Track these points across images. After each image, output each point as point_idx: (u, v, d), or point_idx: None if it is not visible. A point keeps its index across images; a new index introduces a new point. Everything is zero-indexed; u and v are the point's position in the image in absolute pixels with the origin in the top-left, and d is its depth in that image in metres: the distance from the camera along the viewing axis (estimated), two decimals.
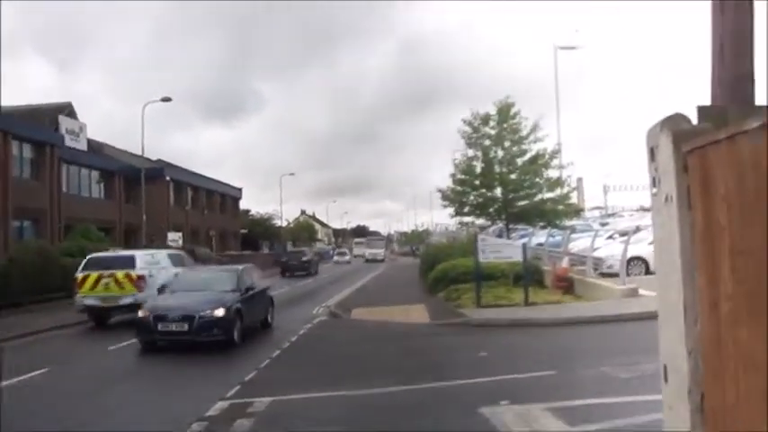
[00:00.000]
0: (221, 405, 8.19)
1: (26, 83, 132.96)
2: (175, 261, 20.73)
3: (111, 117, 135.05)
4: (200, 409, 7.94)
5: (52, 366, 11.58)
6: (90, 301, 18.26)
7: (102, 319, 18.61)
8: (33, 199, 29.35)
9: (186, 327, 12.71)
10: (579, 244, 23.43)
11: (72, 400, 9.09)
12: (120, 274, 18.19)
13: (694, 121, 2.82)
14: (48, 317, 20.09)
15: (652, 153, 2.99)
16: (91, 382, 10.40)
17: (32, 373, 10.76)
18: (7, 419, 7.05)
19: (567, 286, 19.46)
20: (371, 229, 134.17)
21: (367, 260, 68.82)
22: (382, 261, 67.57)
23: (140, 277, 18.04)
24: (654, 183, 3.00)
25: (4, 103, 36.18)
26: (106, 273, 18.22)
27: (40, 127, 32.52)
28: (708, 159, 2.55)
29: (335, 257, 69.61)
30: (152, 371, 11.98)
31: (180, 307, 13.17)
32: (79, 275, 18.52)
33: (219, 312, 12.93)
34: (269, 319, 16.59)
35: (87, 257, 19.69)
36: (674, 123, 2.82)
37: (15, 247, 25.11)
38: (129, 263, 18.66)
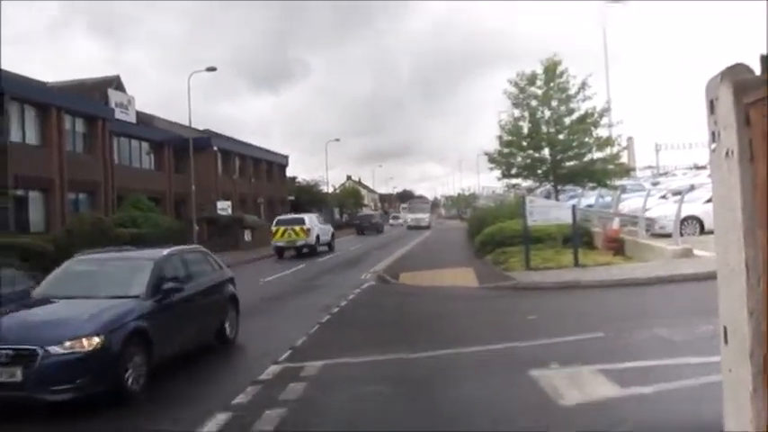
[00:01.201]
0: (274, 369, 8.36)
1: (76, 58, 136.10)
2: (321, 221, 35.62)
3: (158, 89, 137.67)
4: (253, 373, 8.13)
5: None
6: (280, 244, 31.24)
7: (282, 253, 31.31)
8: (87, 172, 30.16)
9: (20, 375, 6.62)
10: (630, 204, 22.89)
11: None
12: (297, 227, 31.13)
13: (757, 71, 2.66)
14: None
15: (711, 106, 2.85)
16: None
17: None
18: None
19: (617, 248, 19.10)
20: (417, 193, 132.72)
21: (409, 227, 62.18)
22: (427, 228, 59.74)
23: (308, 230, 31.09)
24: (713, 137, 2.86)
25: (53, 79, 37.13)
26: (288, 227, 31.12)
27: (90, 101, 33.22)
28: None
29: (391, 221, 78.26)
30: None
31: (15, 334, 7.01)
32: (273, 228, 31.89)
33: (87, 343, 6.91)
34: (227, 329, 10.29)
35: (276, 219, 33.49)
36: (735, 74, 2.66)
37: (71, 219, 25.92)
38: (301, 221, 31.63)
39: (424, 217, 65.16)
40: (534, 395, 6.40)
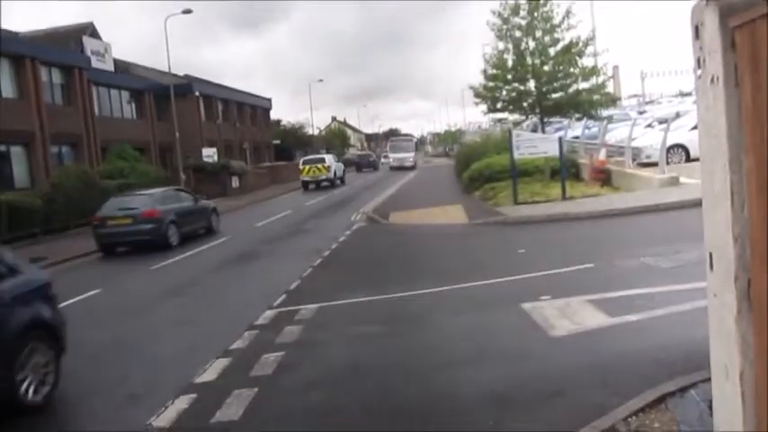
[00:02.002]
0: (269, 313, 8.46)
1: (46, 6, 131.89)
2: (336, 160, 44.85)
3: (136, 35, 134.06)
4: (250, 318, 8.23)
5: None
6: (306, 179, 39.01)
7: (308, 186, 38.58)
8: (68, 124, 29.63)
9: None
10: (616, 134, 22.89)
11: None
12: (320, 165, 39.37)
13: None
14: None
15: (696, 31, 2.80)
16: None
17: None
18: None
19: (604, 178, 19.20)
20: (404, 131, 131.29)
21: (392, 167, 56.74)
22: (412, 168, 54.73)
23: (328, 167, 39.34)
24: (698, 63, 2.83)
25: (24, 29, 36.06)
26: (313, 165, 39.40)
27: (65, 50, 32.36)
28: (758, 34, 2.37)
29: (383, 160, 76.66)
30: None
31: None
32: (300, 167, 40.04)
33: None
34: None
35: (302, 159, 42.79)
36: None
37: (56, 172, 25.63)
38: (322, 161, 40.11)
39: (408, 156, 58.25)
40: (526, 327, 6.54)
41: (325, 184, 38.88)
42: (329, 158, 41.23)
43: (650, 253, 9.13)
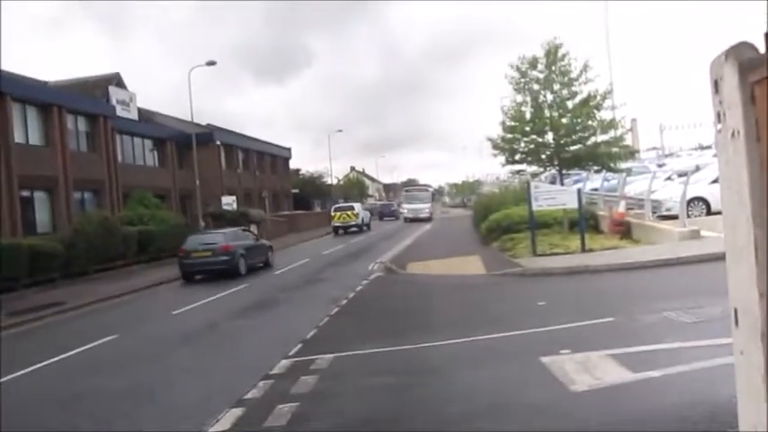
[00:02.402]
0: (285, 363, 8.38)
1: (77, 56, 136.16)
2: (364, 208, 50.08)
3: (161, 85, 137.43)
4: (265, 367, 8.16)
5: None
6: (337, 224, 43.41)
7: (338, 231, 43.19)
8: (92, 170, 30.19)
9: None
10: (636, 187, 22.80)
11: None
12: (349, 212, 43.99)
13: (761, 49, 2.63)
14: (129, 281, 20.92)
15: (716, 86, 2.81)
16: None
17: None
18: None
19: (624, 231, 19.07)
20: (422, 182, 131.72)
21: (406, 219, 53.23)
22: (428, 220, 51.08)
23: (357, 214, 43.89)
24: (718, 117, 2.82)
25: (54, 78, 37.15)
26: (343, 212, 44.07)
27: (92, 99, 33.21)
28: None
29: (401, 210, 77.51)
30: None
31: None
32: (332, 213, 44.77)
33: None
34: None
35: (334, 206, 48.03)
36: (739, 53, 2.62)
37: (78, 218, 25.98)
38: (352, 208, 45.11)
39: (424, 207, 54.63)
40: (546, 381, 6.40)
41: (353, 229, 43.51)
42: (358, 207, 47.14)
43: (672, 307, 8.97)
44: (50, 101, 27.98)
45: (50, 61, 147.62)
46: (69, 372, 9.52)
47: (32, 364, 9.89)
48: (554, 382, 6.30)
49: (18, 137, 25.58)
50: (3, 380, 9.01)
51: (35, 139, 27.05)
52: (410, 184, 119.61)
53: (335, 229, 43.69)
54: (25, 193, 25.89)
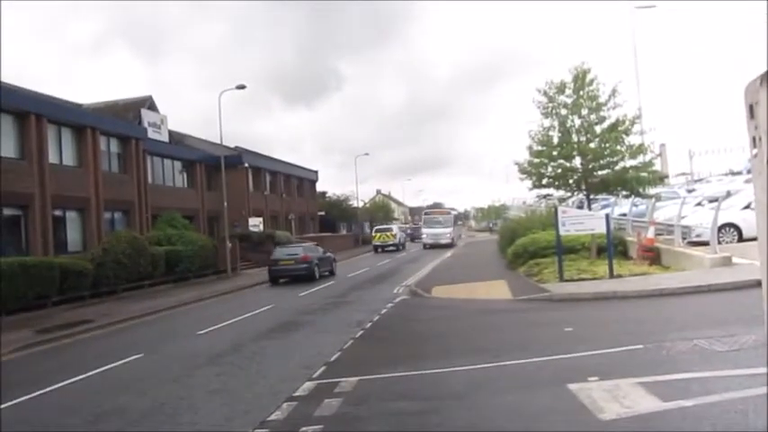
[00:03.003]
0: (308, 385, 8.36)
1: (111, 79, 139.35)
2: (400, 230, 55.78)
3: (193, 107, 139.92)
4: (289, 389, 8.14)
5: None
6: (377, 243, 49.98)
7: (377, 249, 49.31)
8: (122, 191, 30.71)
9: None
10: (665, 212, 22.52)
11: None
12: (388, 233, 50.78)
13: None
14: (157, 300, 21.12)
15: (751, 111, 2.77)
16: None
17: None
18: None
19: (653, 257, 18.78)
20: (447, 205, 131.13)
21: (425, 245, 50.41)
22: (450, 246, 47.98)
23: (395, 234, 50.58)
24: (754, 143, 2.78)
25: (88, 101, 38.00)
26: (383, 233, 50.97)
27: (124, 122, 33.88)
28: None
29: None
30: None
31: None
32: (373, 234, 52.74)
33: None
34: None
35: (375, 227, 56.99)
36: None
37: (108, 237, 26.37)
38: (391, 229, 52.18)
39: (445, 232, 51.25)
40: (573, 409, 6.27)
41: (391, 248, 49.66)
42: (396, 228, 53.97)
43: (703, 335, 8.78)
44: (84, 123, 28.61)
45: (87, 84, 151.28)
46: (95, 390, 9.59)
47: (60, 381, 9.99)
48: (582, 410, 6.18)
49: (52, 157, 26.16)
50: (30, 396, 9.12)
51: (69, 159, 27.63)
52: (435, 207, 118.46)
53: (375, 248, 50.39)
54: (58, 213, 26.39)
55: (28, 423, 7.94)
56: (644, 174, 22.29)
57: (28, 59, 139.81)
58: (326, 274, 28.74)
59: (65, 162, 27.28)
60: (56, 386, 9.77)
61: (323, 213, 63.89)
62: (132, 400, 8.55)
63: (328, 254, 30.65)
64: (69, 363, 12.21)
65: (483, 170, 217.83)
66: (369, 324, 13.74)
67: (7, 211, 23.98)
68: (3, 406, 8.60)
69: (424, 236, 53.11)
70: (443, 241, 49.30)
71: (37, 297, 19.84)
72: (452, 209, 78.50)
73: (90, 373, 10.60)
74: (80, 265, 22.37)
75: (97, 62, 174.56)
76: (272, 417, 7.00)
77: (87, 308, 20.93)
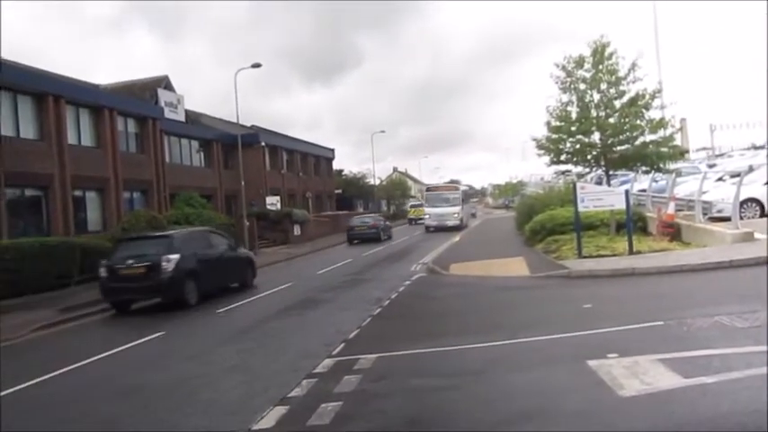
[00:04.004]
0: (328, 362, 8.42)
1: (130, 57, 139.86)
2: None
3: (210, 86, 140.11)
4: (309, 366, 8.21)
5: None
6: (412, 217, 58.19)
7: (412, 222, 56.84)
8: (140, 171, 30.92)
9: None
10: (685, 188, 22.23)
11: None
12: (421, 208, 52.15)
13: None
14: None
15: None
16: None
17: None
18: None
19: (673, 233, 18.59)
20: (465, 183, 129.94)
21: (428, 228, 43.51)
22: (457, 228, 41.32)
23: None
24: None
25: (105, 81, 38.15)
26: (417, 208, 56.66)
27: (141, 102, 34.01)
28: None
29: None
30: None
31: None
32: (409, 208, 63.44)
33: None
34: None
35: (410, 204, 67.55)
36: None
37: (127, 216, 26.61)
38: (422, 205, 50.92)
39: (452, 212, 43.76)
40: (593, 385, 6.26)
41: (422, 222, 50.13)
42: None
43: (724, 311, 8.69)
44: (102, 103, 28.75)
45: (105, 64, 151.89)
46: (118, 366, 9.75)
47: (85, 359, 10.17)
48: (601, 387, 6.16)
49: (71, 138, 26.35)
50: (57, 373, 9.30)
51: (87, 140, 27.82)
52: (453, 183, 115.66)
53: (410, 221, 57.72)
54: (78, 193, 26.64)
55: (55, 399, 8.10)
56: (664, 149, 21.93)
57: (46, 41, 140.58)
58: (386, 237, 39.02)
59: (83, 143, 27.47)
60: (81, 363, 9.95)
61: (340, 191, 63.98)
62: (155, 376, 8.69)
63: (387, 223, 42.79)
64: (93, 340, 12.42)
65: (500, 147, 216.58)
66: (387, 301, 13.80)
67: (28, 192, 24.26)
68: (30, 383, 8.79)
69: (426, 216, 45.51)
70: (450, 223, 42.61)
71: (59, 276, 20.10)
72: (463, 184, 71.67)
73: (113, 351, 10.78)
74: (100, 244, 22.57)
75: (116, 42, 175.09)
76: (293, 393, 7.07)
77: None
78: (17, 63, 28.50)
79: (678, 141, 25.88)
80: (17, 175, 22.92)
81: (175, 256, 15.47)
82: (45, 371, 9.45)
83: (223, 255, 18.15)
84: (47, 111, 24.83)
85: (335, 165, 67.05)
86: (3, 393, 8.25)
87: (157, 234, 18.04)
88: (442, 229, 40.90)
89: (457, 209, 44.28)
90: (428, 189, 51.14)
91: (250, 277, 19.48)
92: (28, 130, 24.34)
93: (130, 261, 15.57)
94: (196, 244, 17.00)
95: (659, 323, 8.66)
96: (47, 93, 24.94)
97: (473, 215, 62.61)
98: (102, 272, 15.94)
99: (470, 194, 69.72)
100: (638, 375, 6.36)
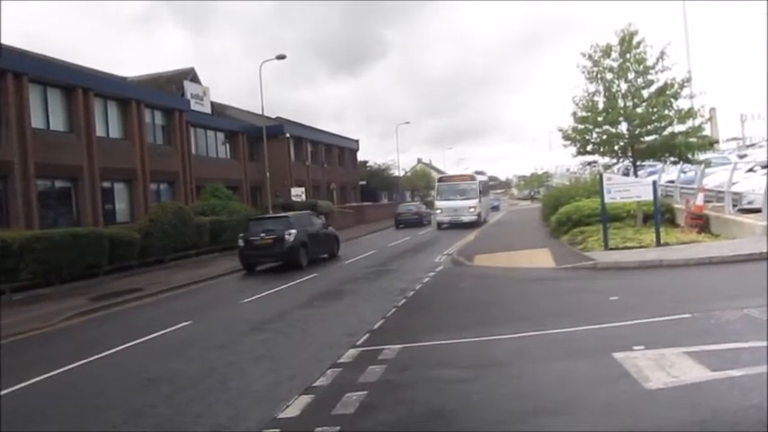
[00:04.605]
0: (352, 352, 8.47)
1: (157, 50, 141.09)
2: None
3: (237, 77, 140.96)
4: (333, 356, 8.27)
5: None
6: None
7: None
8: (167, 162, 31.27)
9: None
10: (715, 179, 21.86)
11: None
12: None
13: None
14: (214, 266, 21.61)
15: None
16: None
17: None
18: None
19: (702, 225, 18.34)
20: (490, 174, 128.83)
21: (440, 225, 37.86)
22: (473, 225, 35.64)
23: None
24: None
25: (132, 73, 38.55)
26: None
27: (168, 94, 34.34)
28: None
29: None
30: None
31: None
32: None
33: None
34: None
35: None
36: None
37: (154, 208, 26.95)
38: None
39: (468, 206, 37.57)
40: (618, 378, 6.22)
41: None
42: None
43: (754, 304, 8.57)
44: (129, 96, 29.10)
45: (134, 57, 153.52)
46: (147, 355, 9.91)
47: (114, 347, 10.38)
48: (627, 379, 6.12)
49: (99, 130, 26.72)
50: (88, 360, 9.49)
51: (115, 132, 28.21)
52: (478, 174, 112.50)
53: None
54: (106, 184, 27.05)
55: (86, 385, 8.27)
56: (693, 139, 21.58)
57: (77, 36, 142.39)
58: (427, 223, 43.85)
59: (111, 135, 27.86)
60: (110, 351, 10.14)
61: (364, 182, 64.04)
62: (182, 365, 8.82)
63: (429, 210, 47.68)
64: (122, 329, 12.62)
65: (525, 137, 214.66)
66: (411, 292, 13.82)
67: (58, 184, 24.68)
68: (63, 369, 8.99)
69: (437, 211, 39.05)
70: (465, 218, 36.93)
71: (88, 266, 20.46)
72: (484, 174, 62.74)
73: (142, 339, 10.97)
74: (128, 235, 22.94)
75: (145, 35, 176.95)
76: (318, 383, 7.13)
77: (136, 277, 21.54)
78: (47, 56, 28.94)
79: (707, 131, 25.43)
80: (47, 167, 23.33)
81: (293, 231, 20.86)
82: (77, 357, 9.67)
83: (319, 231, 23.68)
84: (76, 103, 25.21)
85: (360, 156, 67.20)
86: (33, 380, 8.47)
87: (279, 215, 24.43)
88: (458, 226, 35.99)
89: (473, 202, 37.96)
90: (440, 179, 43.33)
91: (336, 249, 24.94)
92: (58, 123, 24.75)
93: (263, 234, 21.21)
94: (304, 222, 22.58)
95: (687, 315, 8.57)
96: (76, 86, 25.31)
97: (495, 208, 60.49)
98: (240, 242, 21.69)
99: (490, 185, 57.82)
100: (665, 368, 6.30)
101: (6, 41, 24.13)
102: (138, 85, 34.04)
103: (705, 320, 8.24)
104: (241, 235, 21.70)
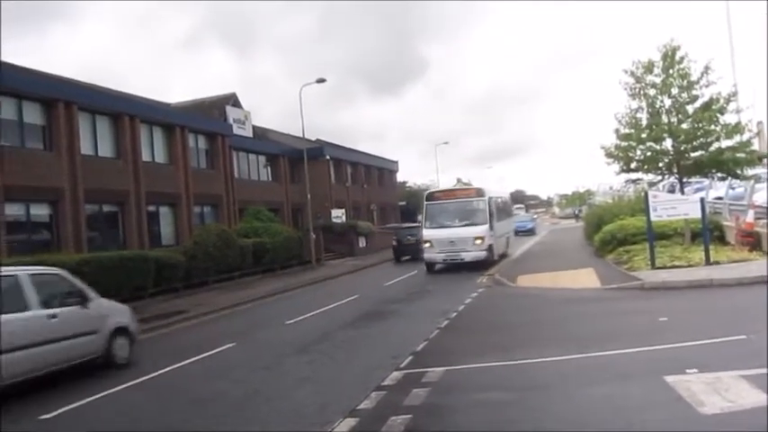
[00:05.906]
0: (396, 375, 8.42)
1: (202, 76, 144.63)
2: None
3: (278, 101, 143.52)
4: (377, 379, 8.22)
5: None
6: None
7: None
8: (210, 186, 31.78)
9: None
10: (765, 195, 21.25)
11: None
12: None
13: None
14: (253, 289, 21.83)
15: None
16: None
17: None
18: None
19: (753, 242, 17.78)
20: (529, 193, 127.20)
21: (428, 263, 25.09)
22: (483, 263, 23.81)
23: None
24: None
25: (176, 99, 39.46)
26: None
27: (210, 119, 35.03)
28: None
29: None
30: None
31: None
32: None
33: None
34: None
35: None
36: None
37: (198, 231, 27.38)
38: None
39: (474, 235, 24.49)
40: (671, 402, 6.03)
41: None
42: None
43: None
44: (174, 122, 29.76)
45: (178, 82, 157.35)
46: (193, 376, 10.01)
47: (161, 368, 10.53)
48: (680, 404, 5.93)
49: (145, 155, 27.36)
50: (137, 381, 9.65)
51: (160, 157, 28.83)
52: (518, 195, 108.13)
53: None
54: (151, 208, 27.60)
55: (135, 405, 8.38)
56: (741, 154, 21.04)
57: (124, 64, 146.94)
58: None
59: (156, 159, 28.47)
60: (158, 372, 10.28)
61: (404, 203, 64.04)
62: (228, 386, 8.88)
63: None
64: (168, 351, 12.79)
65: (566, 156, 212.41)
66: (454, 313, 13.70)
67: (106, 208, 25.28)
68: (115, 390, 9.15)
69: (426, 244, 25.45)
70: (468, 255, 24.24)
71: (134, 288, 20.84)
72: (476, 188, 28.00)
73: (188, 361, 11.09)
74: (173, 257, 23.32)
75: (189, 59, 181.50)
76: (362, 405, 7.09)
77: (181, 299, 21.85)
78: (95, 85, 29.84)
79: (756, 146, 24.80)
80: (96, 192, 23.94)
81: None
82: (126, 379, 9.86)
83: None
84: (123, 130, 25.88)
85: (400, 176, 67.29)
86: (78, 403, 8.64)
87: (413, 225, 36.60)
88: (459, 266, 24.28)
89: (481, 230, 24.74)
90: (429, 196, 27.79)
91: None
92: (106, 149, 25.42)
93: (410, 237, 34.21)
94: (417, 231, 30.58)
95: (742, 337, 8.30)
96: (123, 113, 26.01)
97: (526, 232, 51.71)
98: (394, 242, 35.90)
99: (507, 203, 34.71)
100: (720, 392, 6.09)
101: (55, 71, 24.93)
102: (182, 111, 34.81)
103: (762, 342, 7.94)
104: (395, 238, 36.20)
